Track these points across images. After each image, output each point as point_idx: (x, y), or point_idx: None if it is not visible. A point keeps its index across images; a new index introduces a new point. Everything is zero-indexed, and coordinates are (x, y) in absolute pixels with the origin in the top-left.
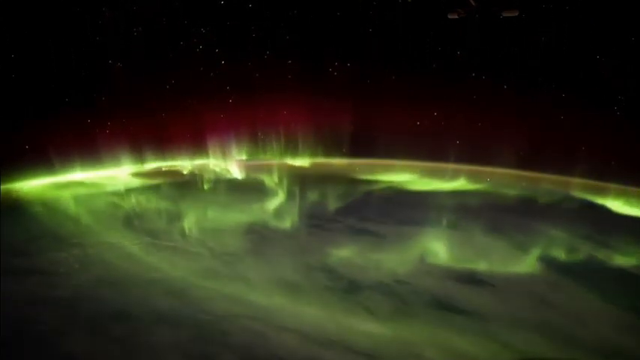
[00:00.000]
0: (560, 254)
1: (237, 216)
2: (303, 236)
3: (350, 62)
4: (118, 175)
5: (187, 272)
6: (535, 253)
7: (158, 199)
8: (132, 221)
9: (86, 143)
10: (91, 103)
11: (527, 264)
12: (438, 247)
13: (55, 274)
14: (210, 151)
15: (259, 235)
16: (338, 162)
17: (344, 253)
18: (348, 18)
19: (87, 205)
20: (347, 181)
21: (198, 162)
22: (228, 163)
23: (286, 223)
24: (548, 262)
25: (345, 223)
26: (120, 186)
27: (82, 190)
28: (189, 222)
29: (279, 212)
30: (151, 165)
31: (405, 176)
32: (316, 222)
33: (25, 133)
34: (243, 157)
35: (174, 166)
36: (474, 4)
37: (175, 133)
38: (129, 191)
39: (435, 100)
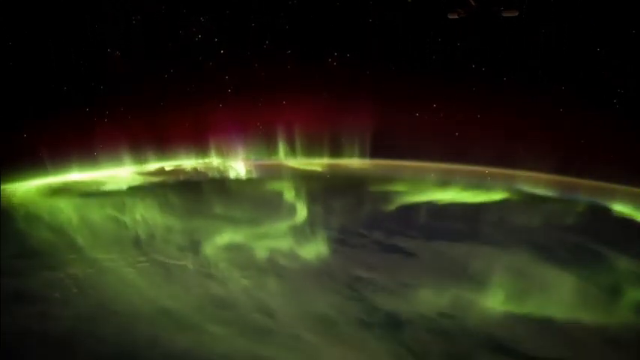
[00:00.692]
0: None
1: (251, 230)
2: (327, 255)
3: (350, 53)
4: (118, 175)
5: (201, 301)
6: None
7: (163, 207)
8: (135, 234)
9: (83, 139)
10: (89, 92)
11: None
12: (481, 271)
13: (48, 301)
14: (213, 149)
15: (278, 253)
16: (353, 163)
17: (376, 277)
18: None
19: (84, 214)
20: (365, 185)
21: (202, 161)
22: (234, 163)
23: (307, 238)
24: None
25: (371, 237)
26: (121, 189)
27: (79, 195)
28: (200, 237)
29: (297, 225)
30: (153, 164)
31: (428, 181)
32: (339, 236)
33: (19, 129)
34: (248, 156)
35: (178, 165)
36: (473, 4)
37: (175, 126)
38: (131, 197)
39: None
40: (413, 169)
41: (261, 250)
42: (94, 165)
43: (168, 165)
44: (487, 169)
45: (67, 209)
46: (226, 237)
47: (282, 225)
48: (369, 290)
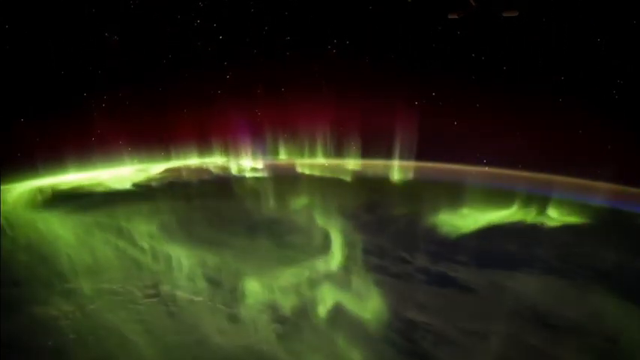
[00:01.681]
0: None
1: (278, 257)
2: (370, 289)
3: (349, 40)
4: (119, 177)
5: (227, 353)
6: None
7: (173, 221)
8: (141, 256)
9: (82, 137)
10: (86, 78)
11: None
12: (556, 313)
13: (38, 350)
14: (221, 147)
15: (313, 288)
16: (371, 164)
17: (431, 321)
18: None
19: (82, 228)
20: (395, 193)
21: (211, 160)
22: (244, 162)
23: (343, 267)
24: None
25: (415, 263)
26: (123, 195)
27: (77, 202)
28: (219, 265)
29: (329, 249)
30: (159, 165)
31: (470, 190)
32: (378, 262)
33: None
34: (259, 155)
35: (186, 165)
36: (474, 4)
37: (175, 118)
38: (135, 205)
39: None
40: (449, 173)
41: (291, 286)
42: (95, 165)
43: (176, 165)
44: (533, 175)
45: (62, 222)
46: (247, 258)
47: (314, 249)
48: (428, 341)
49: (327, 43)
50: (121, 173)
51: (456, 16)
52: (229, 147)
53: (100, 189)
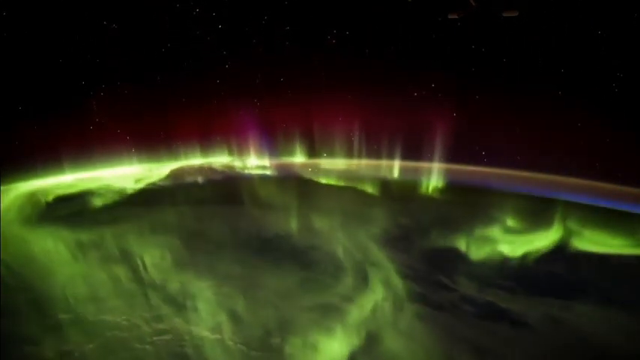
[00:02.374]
0: None
1: (296, 275)
2: (413, 323)
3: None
4: (122, 179)
5: None
6: None
7: (183, 235)
8: (149, 281)
9: (78, 134)
10: (84, 66)
11: None
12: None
13: None
14: (227, 145)
15: (337, 313)
16: (389, 164)
17: None
18: None
19: (82, 246)
20: (422, 200)
21: (216, 159)
22: (250, 161)
23: (374, 294)
24: None
25: (460, 290)
26: (128, 201)
27: (76, 210)
28: (236, 289)
29: (355, 267)
30: (162, 164)
31: (508, 200)
32: (418, 289)
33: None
34: (265, 153)
35: (190, 165)
36: (474, 4)
37: (178, 115)
38: (141, 215)
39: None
40: (488, 177)
41: (319, 322)
42: (96, 166)
43: (181, 166)
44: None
45: (57, 239)
46: (274, 295)
47: (338, 270)
48: None
49: (326, 33)
50: (123, 175)
51: (456, 16)
52: (236, 145)
53: (101, 194)
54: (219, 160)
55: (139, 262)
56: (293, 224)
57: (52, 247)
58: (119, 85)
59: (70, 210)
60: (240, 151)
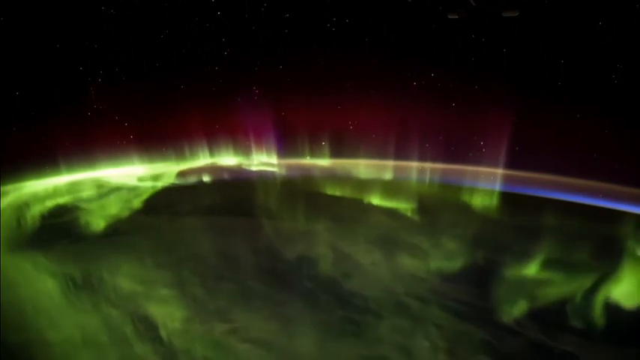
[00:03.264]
0: None
1: (331, 315)
2: None
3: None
4: (121, 183)
5: None
6: None
7: (183, 260)
8: (147, 327)
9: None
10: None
11: None
12: None
13: None
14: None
15: None
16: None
17: None
18: None
19: (70, 277)
20: (467, 214)
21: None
22: (259, 160)
23: (431, 342)
24: None
25: (527, 335)
26: (125, 227)
27: (68, 225)
28: (264, 333)
29: (399, 304)
30: (166, 165)
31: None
32: (482, 334)
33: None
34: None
35: (197, 167)
36: (474, 4)
37: (180, 113)
38: (139, 236)
39: None
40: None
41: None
42: (97, 167)
43: (187, 167)
44: None
45: (42, 270)
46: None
47: (384, 310)
48: None
49: (326, 21)
50: (125, 177)
51: (456, 16)
52: (243, 144)
53: (97, 205)
54: (228, 159)
55: (139, 304)
56: (319, 244)
57: (35, 280)
58: (120, 79)
59: (61, 229)
60: (252, 149)
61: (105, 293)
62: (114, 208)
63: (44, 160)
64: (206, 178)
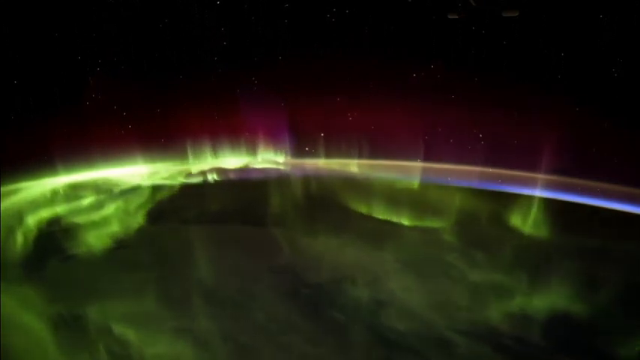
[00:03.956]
0: None
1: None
2: None
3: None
4: (124, 186)
5: None
6: None
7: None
8: None
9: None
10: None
11: None
12: None
13: None
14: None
15: None
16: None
17: None
18: None
19: (62, 315)
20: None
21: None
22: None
23: None
24: None
25: None
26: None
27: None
28: None
29: (443, 341)
30: (170, 166)
31: None
32: None
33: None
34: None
35: (203, 168)
36: (474, 4)
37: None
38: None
39: None
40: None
41: None
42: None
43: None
44: None
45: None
46: None
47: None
48: None
49: (326, 12)
50: (127, 180)
51: (456, 16)
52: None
53: (98, 216)
54: (234, 160)
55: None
56: (345, 264)
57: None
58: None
59: (54, 245)
60: (261, 148)
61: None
62: (114, 216)
63: (42, 161)
64: (213, 180)
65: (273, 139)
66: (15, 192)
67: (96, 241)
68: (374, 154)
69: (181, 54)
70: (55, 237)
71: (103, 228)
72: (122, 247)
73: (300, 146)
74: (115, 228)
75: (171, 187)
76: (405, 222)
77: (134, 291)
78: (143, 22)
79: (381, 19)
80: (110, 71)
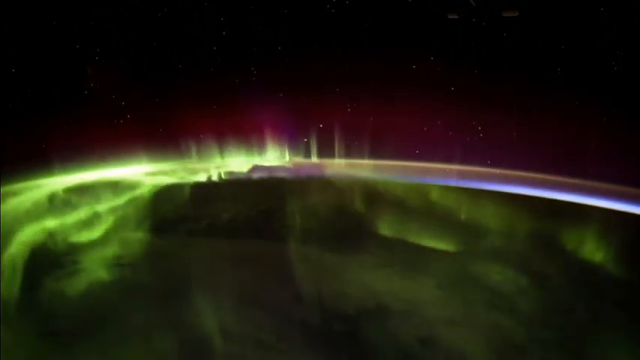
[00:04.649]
0: None
1: None
2: None
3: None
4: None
5: None
6: None
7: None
8: None
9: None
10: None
11: None
12: None
13: None
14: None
15: None
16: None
17: None
18: None
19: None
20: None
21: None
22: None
23: None
24: None
25: None
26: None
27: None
28: None
29: None
30: (172, 167)
31: None
32: None
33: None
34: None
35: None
36: (473, 4)
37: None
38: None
39: None
40: None
41: None
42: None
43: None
44: None
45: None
46: None
47: None
48: None
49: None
50: (129, 182)
51: (456, 16)
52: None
53: (98, 228)
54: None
55: None
56: (379, 290)
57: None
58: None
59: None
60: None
61: None
62: (114, 227)
63: (42, 161)
64: (218, 180)
65: (278, 138)
66: (13, 194)
67: (96, 264)
68: (395, 155)
69: (181, 52)
70: (50, 253)
71: (102, 245)
72: (122, 265)
73: (307, 146)
74: (114, 244)
75: (174, 187)
76: (441, 243)
77: (137, 331)
78: (143, 21)
79: (381, 19)
80: (110, 70)
